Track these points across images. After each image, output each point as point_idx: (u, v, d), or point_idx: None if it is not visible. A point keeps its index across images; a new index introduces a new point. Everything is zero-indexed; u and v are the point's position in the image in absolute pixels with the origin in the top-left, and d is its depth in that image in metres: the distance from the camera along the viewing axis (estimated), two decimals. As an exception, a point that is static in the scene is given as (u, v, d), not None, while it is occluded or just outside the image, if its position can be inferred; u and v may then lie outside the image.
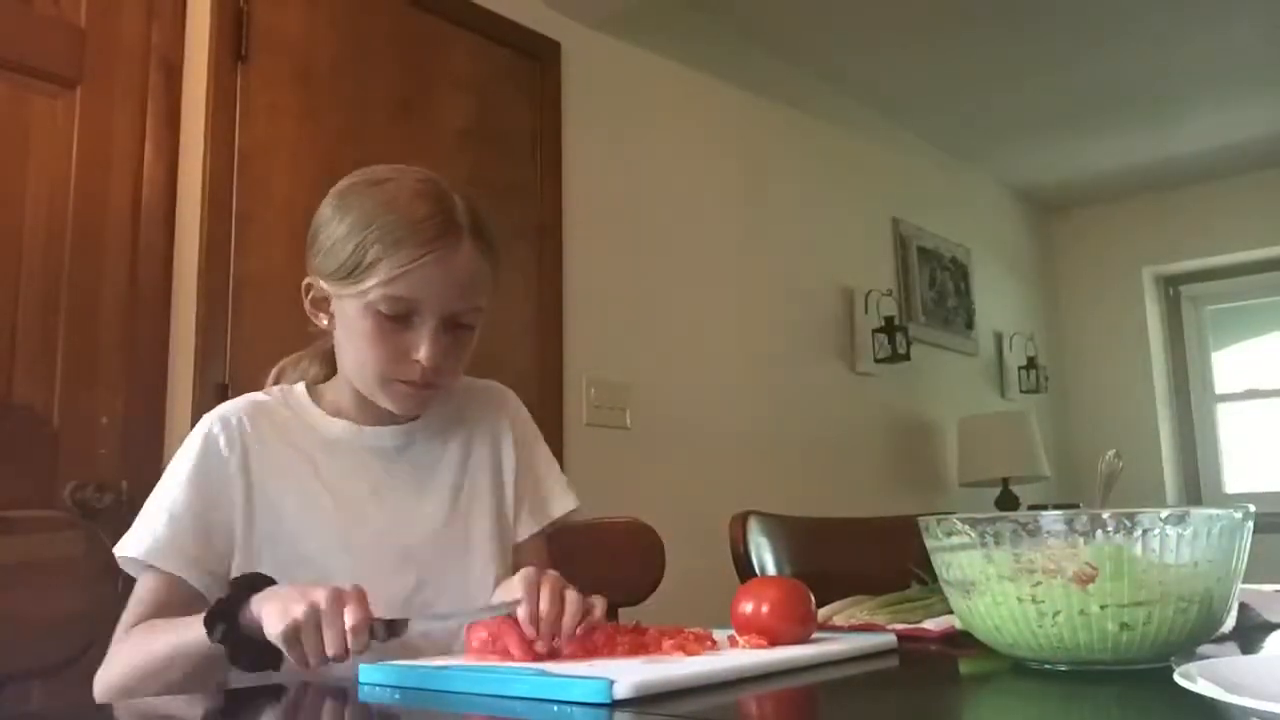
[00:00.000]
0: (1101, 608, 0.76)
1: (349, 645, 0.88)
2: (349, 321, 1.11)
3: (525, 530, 1.26)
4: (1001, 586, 0.79)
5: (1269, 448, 4.90)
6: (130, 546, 1.08)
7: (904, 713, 0.80)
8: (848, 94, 3.89)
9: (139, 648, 1.03)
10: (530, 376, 2.48)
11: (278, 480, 1.13)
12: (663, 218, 3.03)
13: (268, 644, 0.91)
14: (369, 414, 1.18)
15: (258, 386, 2.08)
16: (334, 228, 1.10)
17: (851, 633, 1.08)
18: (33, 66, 1.85)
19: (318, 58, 2.24)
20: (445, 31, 2.51)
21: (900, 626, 1.10)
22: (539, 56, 2.74)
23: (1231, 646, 0.98)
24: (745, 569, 1.68)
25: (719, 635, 0.97)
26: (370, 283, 1.06)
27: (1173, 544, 0.76)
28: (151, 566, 1.08)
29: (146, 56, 2.00)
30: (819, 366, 3.59)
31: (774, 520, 1.75)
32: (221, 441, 1.13)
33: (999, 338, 4.67)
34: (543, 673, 0.79)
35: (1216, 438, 5.06)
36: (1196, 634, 0.79)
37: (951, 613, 0.93)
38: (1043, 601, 0.77)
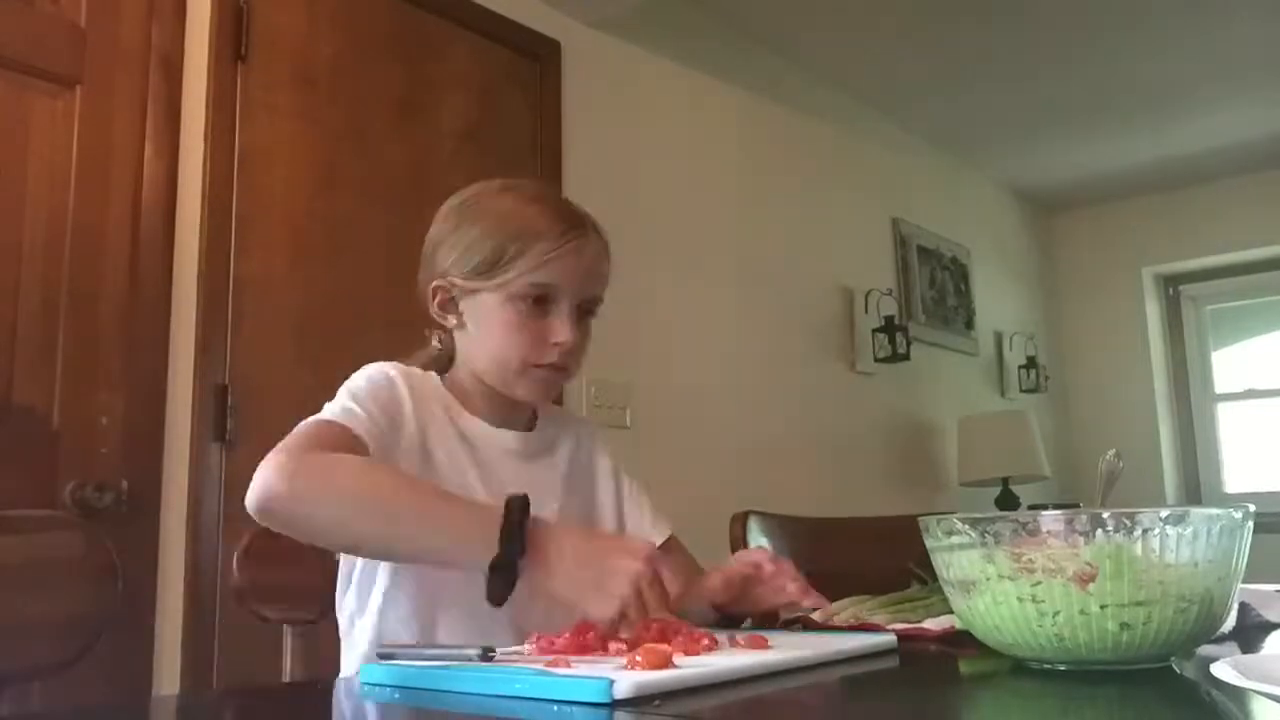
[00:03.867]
0: (1102, 608, 0.76)
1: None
2: (487, 314, 1.18)
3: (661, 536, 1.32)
4: (1001, 586, 0.79)
5: (1269, 448, 4.90)
6: (331, 411, 1.08)
7: (904, 712, 0.80)
8: (848, 94, 3.89)
9: (362, 472, 1.01)
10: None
11: (438, 438, 1.17)
12: (662, 217, 3.03)
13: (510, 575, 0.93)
14: (496, 415, 1.23)
15: (258, 386, 2.08)
16: (468, 230, 1.18)
17: (851, 632, 1.08)
18: (33, 66, 1.85)
19: (318, 57, 2.24)
20: (445, 31, 2.51)
21: (900, 626, 1.10)
22: (539, 56, 2.74)
23: (1232, 646, 0.98)
24: (745, 569, 1.68)
25: (719, 635, 0.97)
26: (513, 273, 1.15)
27: (1173, 544, 0.76)
28: (333, 423, 1.07)
29: (146, 56, 2.00)
30: (819, 366, 3.59)
31: (774, 520, 1.76)
32: (400, 383, 1.16)
33: (999, 337, 4.67)
34: (543, 672, 0.79)
35: (1216, 437, 5.06)
36: (1196, 634, 0.79)
37: (951, 613, 0.93)
38: (1043, 601, 0.77)
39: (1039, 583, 0.77)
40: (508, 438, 1.23)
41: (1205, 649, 0.93)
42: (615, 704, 0.72)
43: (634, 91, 3.02)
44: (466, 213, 1.21)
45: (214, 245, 2.01)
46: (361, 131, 2.29)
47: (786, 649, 0.93)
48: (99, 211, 1.90)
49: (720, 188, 3.28)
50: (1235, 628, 1.04)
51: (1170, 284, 5.20)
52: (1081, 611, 0.76)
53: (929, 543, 0.87)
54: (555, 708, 0.74)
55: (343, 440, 1.05)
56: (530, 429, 1.27)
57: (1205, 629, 0.80)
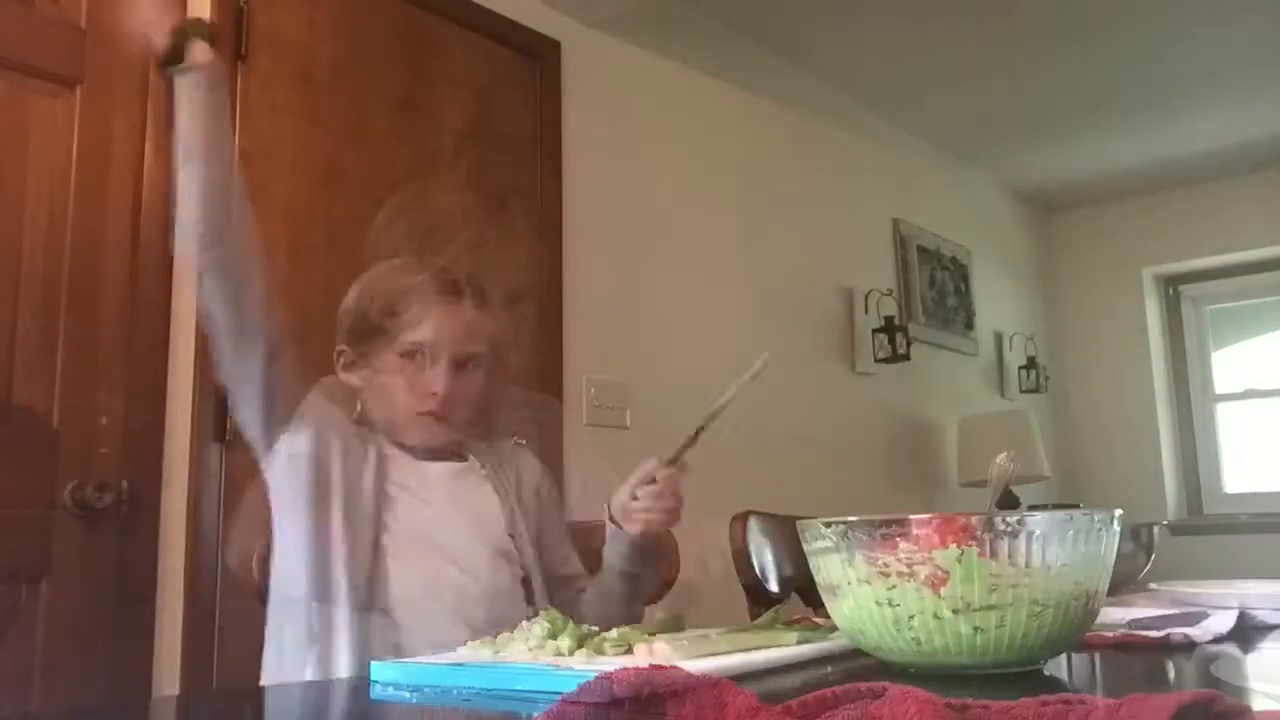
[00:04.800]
0: (954, 611, 0.76)
1: None
2: (375, 373, 1.36)
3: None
4: (862, 590, 0.80)
5: (1269, 448, 4.90)
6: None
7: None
8: (848, 94, 3.89)
9: None
10: (530, 376, 2.47)
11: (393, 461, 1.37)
12: (662, 217, 3.03)
13: None
14: (420, 450, 1.40)
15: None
16: (358, 302, 1.38)
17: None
18: (33, 66, 1.85)
19: (318, 58, 2.24)
20: (445, 31, 2.51)
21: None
22: (539, 56, 2.74)
23: (1231, 646, 0.98)
24: (745, 569, 1.68)
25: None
26: (392, 333, 1.33)
27: (1023, 548, 0.76)
28: None
29: (147, 56, 2.00)
30: (819, 366, 3.59)
31: (774, 520, 1.76)
32: (336, 409, 1.37)
33: (999, 338, 4.67)
34: (545, 670, 0.80)
35: (1216, 438, 5.06)
36: (1056, 637, 0.78)
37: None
38: (899, 605, 0.78)
39: (894, 586, 0.78)
40: (438, 469, 1.40)
41: (1206, 649, 0.93)
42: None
43: (634, 91, 3.02)
44: (361, 286, 1.39)
45: (214, 245, 2.01)
46: (361, 131, 2.29)
47: (786, 648, 0.92)
48: (99, 211, 1.90)
49: (720, 188, 3.28)
50: (1235, 628, 1.04)
51: (1170, 284, 5.20)
52: (935, 615, 0.76)
53: (804, 548, 0.88)
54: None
55: None
56: (458, 453, 1.43)
57: (1066, 632, 0.79)
